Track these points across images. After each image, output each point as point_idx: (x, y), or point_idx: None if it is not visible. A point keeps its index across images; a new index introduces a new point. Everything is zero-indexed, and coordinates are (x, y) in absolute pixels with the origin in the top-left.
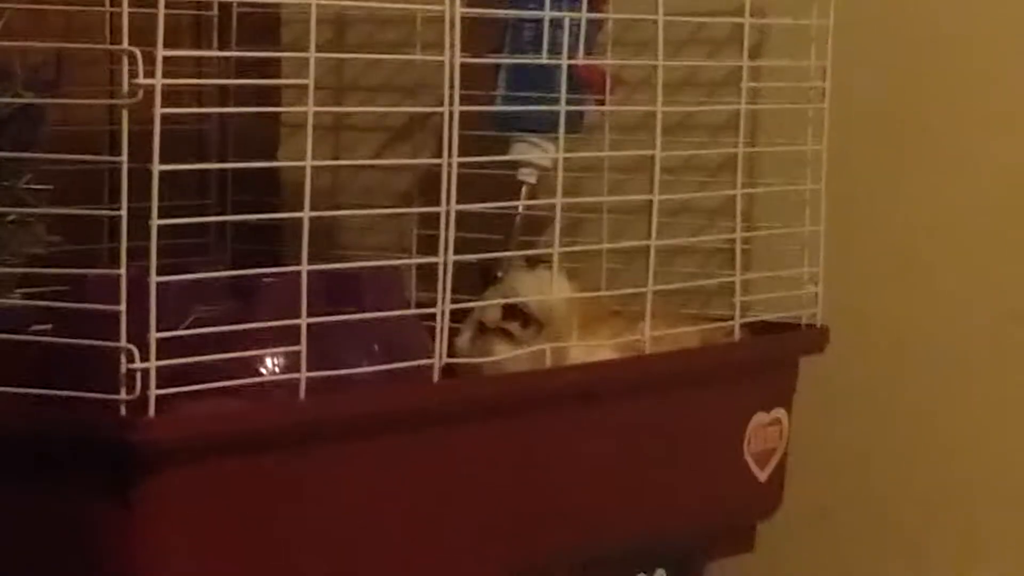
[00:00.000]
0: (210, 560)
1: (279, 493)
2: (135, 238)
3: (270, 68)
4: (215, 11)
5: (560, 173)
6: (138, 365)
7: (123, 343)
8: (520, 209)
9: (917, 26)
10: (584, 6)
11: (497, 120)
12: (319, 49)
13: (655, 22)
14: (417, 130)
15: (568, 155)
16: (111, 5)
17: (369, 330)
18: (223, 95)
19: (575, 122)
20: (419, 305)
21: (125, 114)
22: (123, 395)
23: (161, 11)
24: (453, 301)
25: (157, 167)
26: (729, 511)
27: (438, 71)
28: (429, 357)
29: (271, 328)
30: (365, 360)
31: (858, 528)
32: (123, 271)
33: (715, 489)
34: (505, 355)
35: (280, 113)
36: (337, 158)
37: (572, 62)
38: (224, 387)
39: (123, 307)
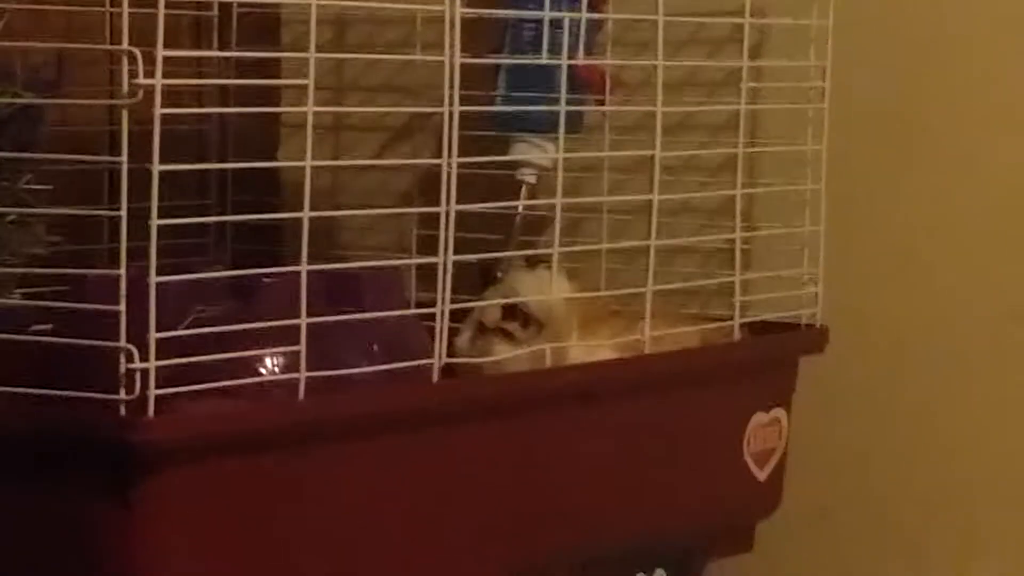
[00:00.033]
0: (210, 560)
1: (279, 493)
2: (135, 238)
3: (270, 68)
4: (215, 11)
5: (560, 173)
6: (138, 365)
7: (123, 343)
8: (520, 209)
9: (917, 26)
10: (584, 6)
11: (497, 120)
12: (319, 49)
13: (655, 22)
14: (417, 130)
15: (568, 155)
16: (111, 5)
17: (369, 330)
18: (223, 95)
19: (575, 122)
20: (419, 305)
21: (125, 114)
22: (123, 395)
23: (161, 11)
24: (453, 301)
25: (157, 167)
26: (728, 511)
27: (438, 71)
28: (429, 357)
29: (271, 328)
30: (365, 360)
31: (857, 528)
32: (123, 271)
33: (714, 489)
34: (505, 355)
35: (280, 113)
36: (337, 158)
37: (572, 62)
38: (224, 387)
39: (123, 307)
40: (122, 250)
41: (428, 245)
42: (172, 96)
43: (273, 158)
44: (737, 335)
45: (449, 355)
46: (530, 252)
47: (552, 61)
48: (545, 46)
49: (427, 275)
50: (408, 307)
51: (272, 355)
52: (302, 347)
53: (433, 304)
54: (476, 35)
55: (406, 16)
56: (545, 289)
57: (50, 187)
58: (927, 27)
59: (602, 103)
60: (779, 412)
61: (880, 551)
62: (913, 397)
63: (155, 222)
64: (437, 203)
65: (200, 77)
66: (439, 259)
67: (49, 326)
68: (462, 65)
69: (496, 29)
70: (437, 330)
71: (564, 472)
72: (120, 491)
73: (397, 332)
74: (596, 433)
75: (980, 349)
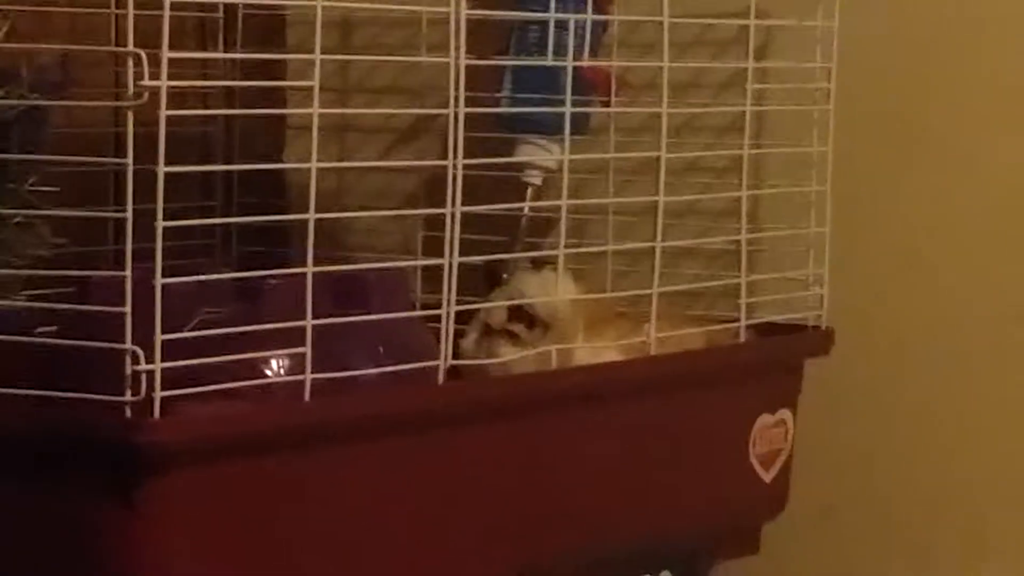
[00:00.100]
0: (214, 561)
1: (284, 495)
2: (140, 240)
3: (275, 70)
4: (220, 13)
5: (565, 174)
6: (143, 367)
7: (128, 345)
8: (526, 211)
9: (921, 28)
10: (589, 8)
11: (502, 122)
12: (324, 51)
13: (660, 24)
14: (422, 132)
15: (573, 157)
16: (116, 7)
17: (374, 332)
18: (228, 97)
19: (580, 124)
20: (424, 307)
21: (130, 116)
22: (128, 397)
23: (166, 13)
24: (458, 303)
25: (163, 169)
26: (734, 512)
27: (443, 73)
28: (434, 359)
29: (276, 330)
30: (370, 362)
31: (863, 529)
32: (128, 273)
33: (720, 490)
34: (511, 357)
35: (285, 115)
36: (342, 160)
37: (577, 64)
38: (229, 389)
39: (128, 309)
40: (127, 252)
41: (433, 246)
42: (177, 98)
43: (278, 160)
44: (743, 337)
45: (455, 357)
46: (536, 254)
47: (558, 63)
48: (551, 48)
49: (433, 277)
50: (414, 309)
51: (277, 357)
52: (307, 349)
53: (439, 306)
54: (481, 37)
55: (411, 18)
56: (551, 291)
57: (56, 189)
58: (932, 29)
59: (607, 105)
60: (785, 413)
61: (885, 552)
62: (918, 398)
63: (160, 224)
64: (442, 205)
65: (205, 79)
66: (444, 260)
67: (55, 328)
68: (467, 67)
69: (502, 31)
70: (443, 332)
71: (570, 473)
72: (125, 493)
73: (403, 334)
74: (602, 434)
75: (985, 350)
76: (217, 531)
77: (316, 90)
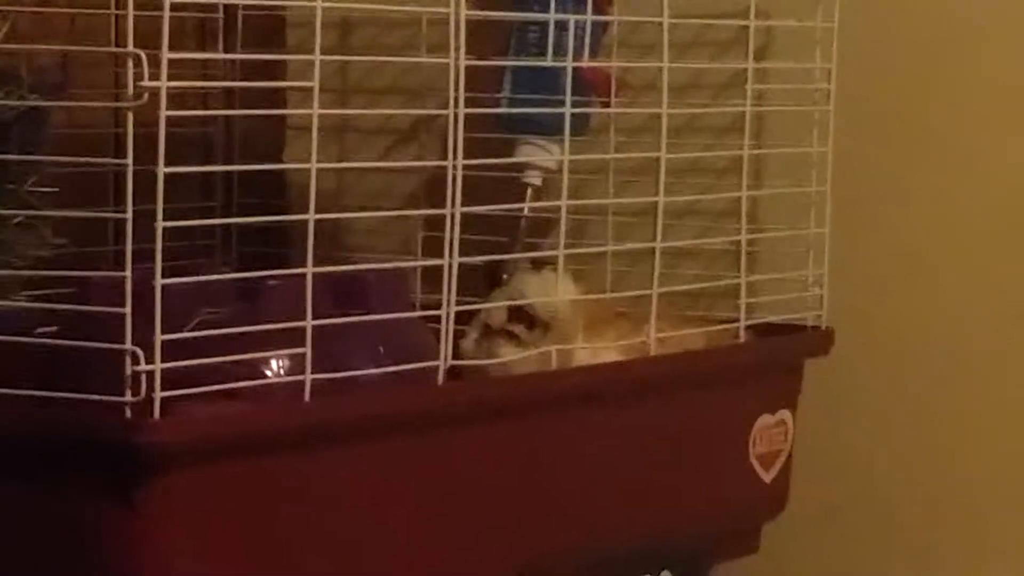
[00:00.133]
0: (215, 562)
1: (284, 495)
2: (140, 240)
3: (275, 70)
4: (220, 13)
5: (565, 175)
6: (143, 367)
7: (128, 345)
8: (525, 211)
9: (922, 28)
10: (589, 8)
11: (502, 122)
12: (324, 51)
13: (660, 24)
14: (422, 132)
15: (573, 157)
16: (116, 8)
17: (374, 332)
18: (228, 98)
19: (580, 124)
20: (424, 307)
21: (130, 116)
22: (128, 397)
23: (166, 14)
24: (458, 303)
25: (162, 169)
26: (734, 513)
27: (443, 73)
28: (434, 359)
29: (276, 330)
30: (370, 362)
31: (863, 529)
32: (128, 273)
33: (720, 491)
34: (511, 357)
35: (285, 115)
36: (342, 160)
37: (577, 64)
38: (229, 389)
39: (128, 309)
40: (127, 252)
41: (433, 247)
42: (177, 98)
43: (278, 160)
44: (743, 337)
45: (455, 357)
46: (536, 254)
47: (557, 63)
48: (550, 48)
49: (433, 277)
50: (414, 309)
51: (278, 357)
52: (307, 349)
53: (439, 306)
54: (481, 37)
55: (411, 18)
56: (551, 291)
57: (55, 189)
58: (932, 29)
59: (607, 105)
60: (785, 414)
61: (886, 552)
62: (919, 398)
63: (160, 224)
64: (442, 205)
65: (205, 79)
66: (444, 261)
67: (55, 328)
68: (467, 67)
69: (501, 31)
70: (443, 332)
71: (570, 474)
72: (125, 493)
73: (403, 334)
74: (602, 435)
75: (986, 350)
76: (217, 531)
77: (316, 90)
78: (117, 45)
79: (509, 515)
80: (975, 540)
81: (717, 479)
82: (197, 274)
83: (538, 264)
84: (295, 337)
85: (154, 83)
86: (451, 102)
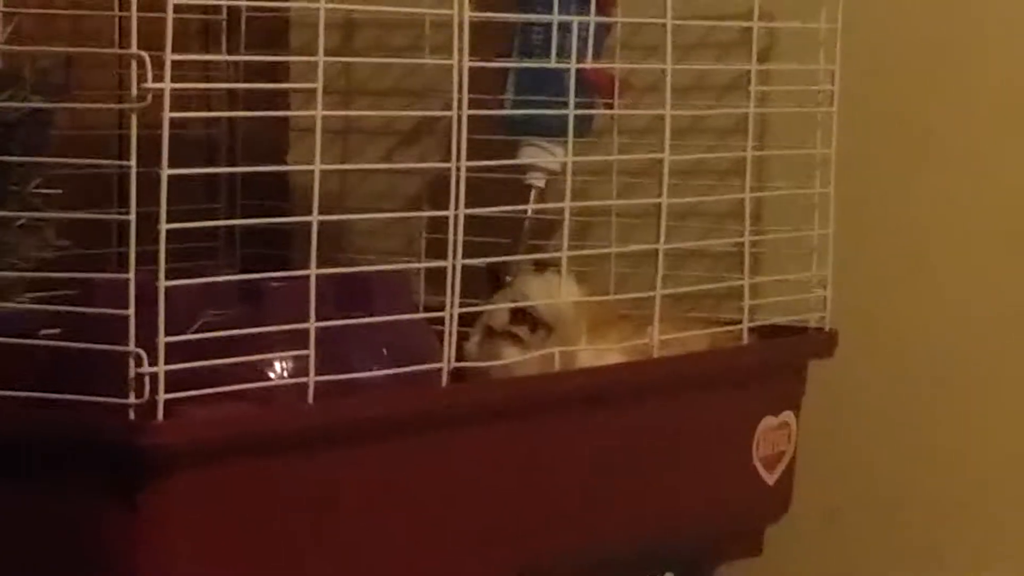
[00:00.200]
0: (217, 564)
1: (287, 497)
2: (144, 242)
3: (278, 72)
4: (224, 15)
5: (569, 177)
6: (147, 369)
7: (132, 347)
8: (529, 213)
9: (925, 29)
10: (592, 10)
11: (506, 124)
12: (327, 53)
13: (664, 26)
14: (426, 134)
15: (577, 159)
16: (120, 9)
17: (378, 334)
18: (232, 99)
19: (584, 126)
20: (428, 309)
21: (134, 118)
22: (132, 399)
23: (170, 15)
24: (462, 305)
25: (166, 171)
26: (737, 515)
27: (447, 75)
28: (438, 361)
29: (280, 332)
30: (374, 364)
31: (866, 531)
32: (132, 275)
33: (723, 492)
34: (514, 359)
35: (289, 117)
36: (346, 162)
37: (581, 66)
38: (233, 391)
39: (132, 311)
40: (131, 254)
41: (437, 249)
42: (181, 100)
43: (282, 162)
44: (746, 339)
45: (458, 359)
46: (539, 256)
47: (561, 65)
48: (554, 50)
49: (436, 279)
50: (417, 311)
51: (281, 359)
52: (311, 351)
53: (442, 308)
54: (485, 39)
55: (415, 20)
56: (554, 293)
57: (59, 191)
58: (935, 30)
59: (611, 107)
60: (788, 416)
61: (889, 555)
62: (922, 400)
63: (164, 226)
64: (446, 207)
65: (209, 81)
66: (448, 263)
67: (58, 330)
68: (471, 69)
69: (505, 33)
70: (446, 334)
71: (572, 475)
72: (129, 495)
73: (406, 336)
74: (604, 437)
75: (989, 352)
76: (220, 533)
77: (319, 92)
78: (121, 47)
79: (512, 516)
80: (978, 541)
81: (720, 481)
82: (201, 276)
83: (541, 266)
84: (298, 339)
85: (158, 85)
86: (455, 104)
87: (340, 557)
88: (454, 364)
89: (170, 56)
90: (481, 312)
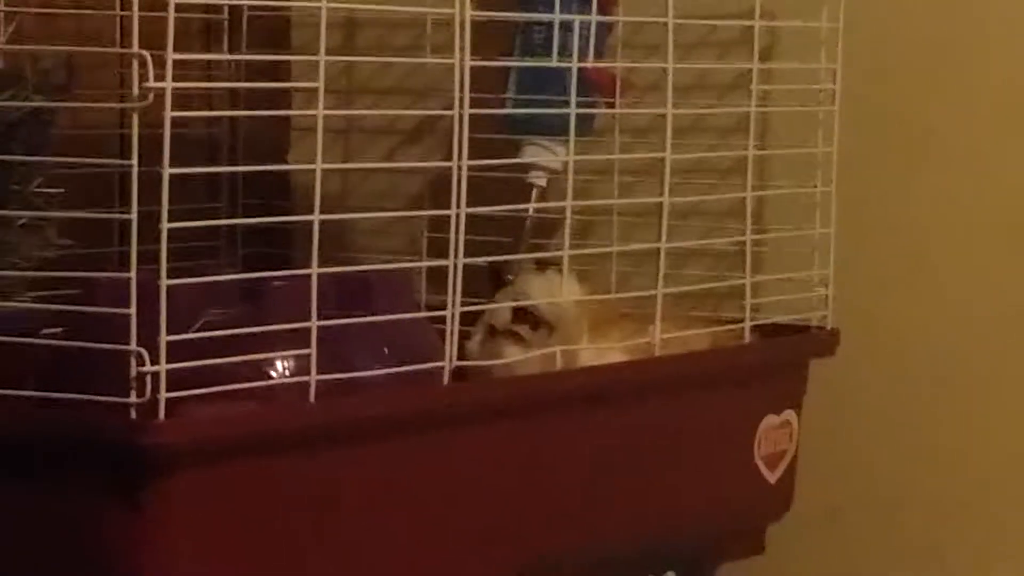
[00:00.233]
0: (219, 562)
1: (289, 495)
2: (146, 241)
3: (280, 71)
4: (225, 15)
5: (570, 176)
6: (148, 368)
7: (133, 346)
8: (530, 212)
9: (926, 28)
10: (594, 9)
11: (507, 123)
12: (329, 52)
13: (665, 25)
14: (427, 133)
15: (578, 158)
16: (121, 9)
17: (380, 333)
18: (233, 99)
19: (585, 125)
20: (429, 308)
21: (135, 117)
22: (133, 398)
23: (171, 14)
24: (463, 304)
25: (168, 170)
26: (739, 513)
27: (448, 74)
28: (439, 360)
29: (281, 331)
30: (375, 363)
31: (868, 530)
32: (133, 274)
33: (725, 491)
34: (515, 358)
35: (290, 116)
36: (347, 161)
37: (582, 65)
38: (234, 390)
39: (133, 310)
40: (132, 253)
41: (438, 248)
42: (182, 99)
43: (283, 161)
44: (747, 338)
45: (460, 358)
46: (540, 255)
47: (562, 64)
48: (555, 49)
49: (437, 278)
50: (419, 310)
51: (283, 358)
52: (312, 350)
53: (443, 307)
54: (486, 38)
55: (416, 19)
56: (555, 292)
57: (61, 190)
58: (937, 29)
59: (612, 106)
60: (790, 414)
61: (891, 553)
62: (923, 399)
63: (165, 225)
64: (447, 206)
65: (210, 80)
66: (449, 262)
67: (60, 329)
68: (472, 68)
69: (506, 32)
70: (448, 333)
71: (574, 474)
72: (130, 494)
73: (407, 335)
74: (606, 435)
75: (990, 351)
76: (222, 532)
77: (321, 91)
78: (122, 46)
79: (514, 515)
80: (980, 541)
81: (722, 480)
82: (202, 275)
83: (543, 265)
84: (300, 338)
85: (159, 84)
86: (456, 103)
87: (341, 555)
88: (456, 363)
89: (172, 55)
90: (483, 311)
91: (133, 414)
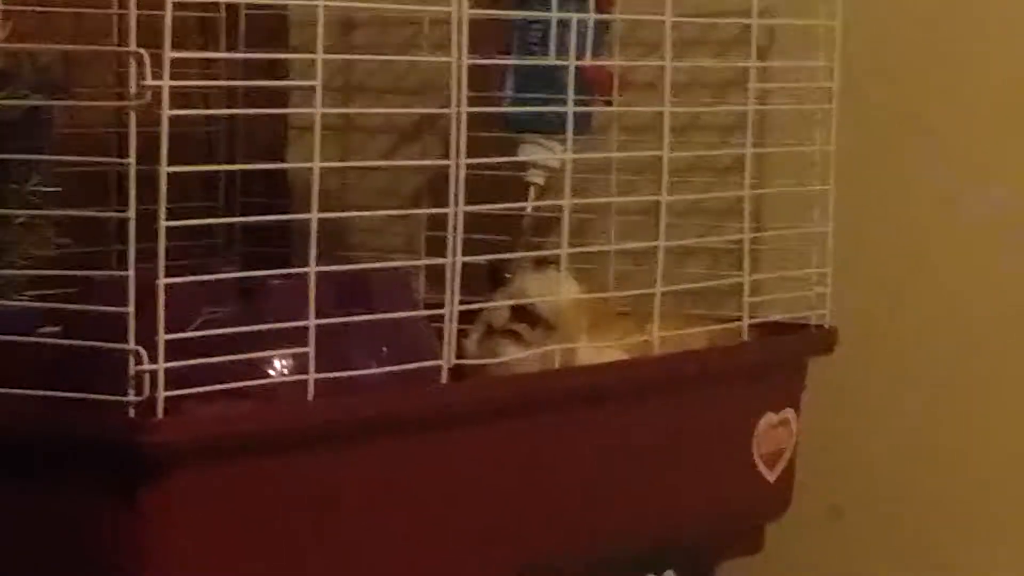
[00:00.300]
0: (218, 561)
1: (287, 494)
2: (144, 240)
3: (278, 70)
4: (222, 13)
5: (568, 174)
6: (147, 367)
7: (131, 345)
8: (528, 210)
9: (924, 26)
10: (591, 7)
11: (505, 121)
12: (327, 51)
13: (663, 23)
14: (425, 131)
15: (576, 156)
16: (119, 7)
17: (378, 332)
18: (231, 97)
19: (583, 123)
20: (428, 306)
21: (133, 116)
22: (131, 397)
23: (169, 13)
24: (462, 302)
25: (165, 169)
26: (738, 512)
27: (446, 72)
28: (438, 358)
29: (279, 330)
30: (374, 362)
31: (866, 529)
32: (131, 273)
33: (724, 490)
34: (514, 356)
35: (288, 115)
36: (345, 160)
37: (580, 63)
38: (232, 389)
39: (131, 309)
40: (130, 252)
41: (436, 246)
42: (180, 98)
43: (281, 159)
44: (746, 336)
45: (458, 356)
46: (539, 253)
47: (560, 62)
48: (553, 47)
49: (436, 276)
50: (417, 308)
51: (281, 357)
52: (311, 348)
53: (442, 305)
54: (484, 36)
55: (414, 17)
56: (554, 290)
57: (59, 189)
58: (935, 27)
59: (610, 104)
60: (789, 413)
61: (889, 552)
62: (923, 397)
63: (163, 224)
64: (445, 204)
65: (208, 79)
66: (447, 260)
67: (58, 328)
68: (470, 66)
69: (504, 30)
70: (446, 331)
71: (572, 473)
72: (129, 493)
73: (406, 334)
74: (604, 434)
75: (990, 349)
76: (220, 531)
77: (319, 90)
78: (120, 44)
79: (512, 514)
80: (979, 540)
81: (720, 478)
82: (200, 274)
83: (541, 263)
84: (298, 336)
85: (156, 82)
86: (454, 101)
87: (340, 554)
88: (454, 362)
89: (169, 54)
90: (481, 309)
91: (131, 413)
